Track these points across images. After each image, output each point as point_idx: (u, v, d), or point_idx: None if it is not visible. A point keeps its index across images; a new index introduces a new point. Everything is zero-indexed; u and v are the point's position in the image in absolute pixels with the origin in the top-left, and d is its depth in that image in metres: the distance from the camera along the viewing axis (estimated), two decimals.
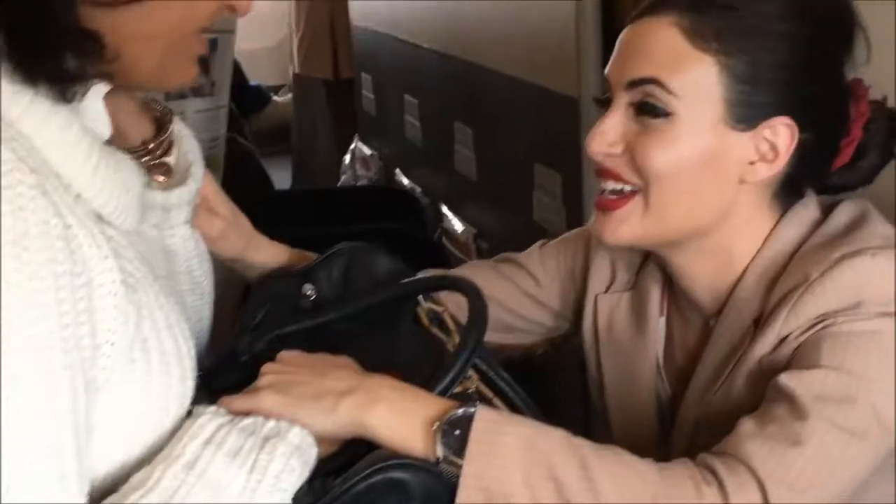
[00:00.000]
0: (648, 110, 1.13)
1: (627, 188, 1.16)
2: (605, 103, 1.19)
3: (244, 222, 1.28)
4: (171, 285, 1.03)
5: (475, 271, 1.39)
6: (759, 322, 1.13)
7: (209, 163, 1.20)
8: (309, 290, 1.23)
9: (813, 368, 1.04)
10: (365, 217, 2.80)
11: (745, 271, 1.18)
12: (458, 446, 0.97)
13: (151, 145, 1.10)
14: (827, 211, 1.19)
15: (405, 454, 0.97)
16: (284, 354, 1.07)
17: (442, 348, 1.15)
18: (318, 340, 1.14)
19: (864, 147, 1.19)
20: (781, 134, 1.13)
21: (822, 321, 1.07)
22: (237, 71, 3.63)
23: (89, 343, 0.83)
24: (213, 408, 0.96)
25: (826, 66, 1.15)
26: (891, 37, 1.31)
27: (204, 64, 2.23)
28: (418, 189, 3.50)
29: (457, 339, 1.15)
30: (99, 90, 0.90)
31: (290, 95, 5.24)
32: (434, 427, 0.98)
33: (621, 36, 1.18)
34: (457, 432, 0.97)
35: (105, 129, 0.93)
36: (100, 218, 0.89)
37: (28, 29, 0.83)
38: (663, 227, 1.16)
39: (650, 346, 1.28)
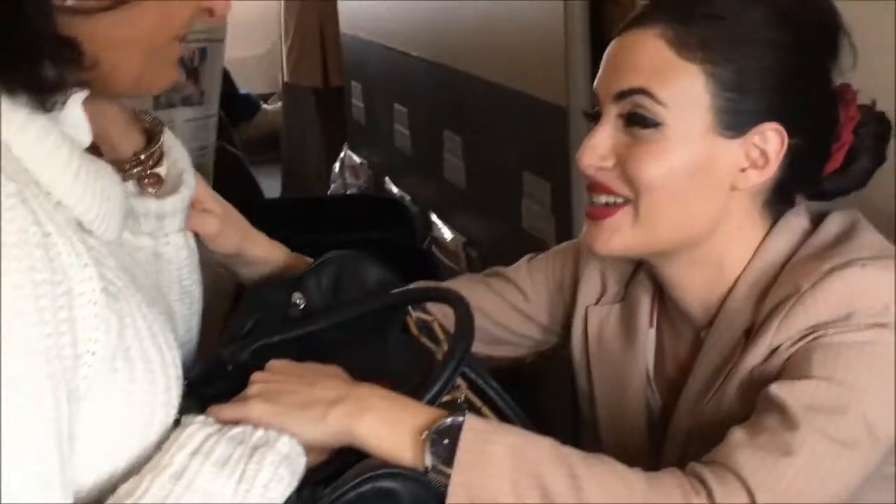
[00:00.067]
0: (638, 121, 1.13)
1: (619, 199, 1.16)
2: (594, 117, 1.19)
3: (238, 218, 1.28)
4: (156, 296, 1.03)
5: (465, 285, 1.39)
6: (751, 333, 1.13)
7: (198, 171, 1.20)
8: (298, 298, 1.23)
9: (804, 379, 1.04)
10: (354, 225, 2.79)
11: (736, 282, 1.18)
12: (447, 455, 0.97)
13: (143, 156, 1.10)
14: (817, 220, 1.19)
15: (394, 463, 0.97)
16: (274, 363, 1.07)
17: (431, 357, 1.14)
18: (308, 349, 1.14)
19: (855, 151, 1.19)
20: (771, 140, 1.13)
21: (813, 332, 1.07)
22: (226, 79, 3.62)
23: (70, 352, 0.82)
24: (201, 417, 0.96)
25: (812, 72, 1.15)
26: (891, 37, 1.31)
27: (193, 73, 2.24)
28: (408, 197, 3.50)
29: (446, 347, 1.15)
30: (78, 97, 0.90)
31: (279, 104, 5.24)
32: (423, 436, 0.98)
33: (608, 49, 1.19)
34: (445, 441, 0.97)
35: (85, 137, 0.92)
36: (81, 227, 0.88)
37: (4, 37, 0.82)
38: (654, 236, 1.16)
39: (640, 357, 1.28)
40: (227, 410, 0.98)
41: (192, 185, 1.14)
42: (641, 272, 1.30)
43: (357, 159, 4.25)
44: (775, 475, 0.99)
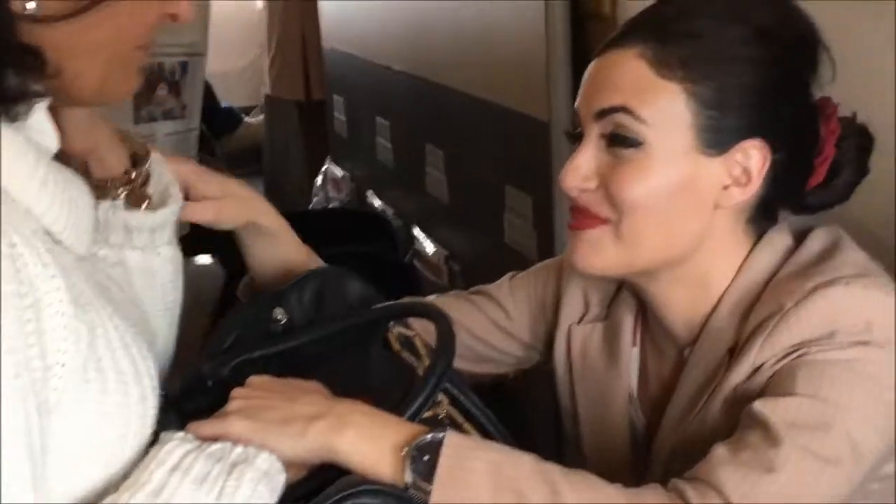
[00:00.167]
0: (620, 141, 1.13)
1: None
2: (576, 138, 1.18)
3: (238, 189, 1.30)
4: (131, 309, 1.02)
5: (448, 301, 1.39)
6: (734, 351, 1.13)
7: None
8: (280, 314, 1.23)
9: (788, 396, 1.04)
10: (337, 239, 2.78)
11: (719, 300, 1.18)
12: (427, 472, 0.96)
13: (133, 175, 1.10)
14: (799, 237, 1.19)
15: (374, 479, 0.97)
16: (254, 379, 1.07)
17: (412, 373, 1.14)
18: (289, 365, 1.14)
19: (837, 165, 1.19)
20: (753, 156, 1.13)
21: (797, 350, 1.07)
22: (208, 93, 3.62)
23: (39, 364, 0.81)
24: (180, 434, 0.95)
25: (792, 87, 1.15)
26: (891, 37, 1.31)
27: (175, 87, 2.23)
28: (390, 211, 3.50)
29: (427, 363, 1.15)
30: (42, 105, 0.89)
31: (261, 117, 5.24)
32: (403, 452, 0.97)
33: (588, 69, 1.18)
34: (426, 458, 0.97)
35: (51, 142, 0.90)
36: (50, 237, 0.87)
37: None
38: (637, 256, 1.16)
39: (624, 376, 1.28)
40: (207, 427, 0.98)
41: (179, 197, 1.15)
42: (624, 291, 1.30)
43: (339, 173, 4.25)
44: (757, 491, 0.99)
